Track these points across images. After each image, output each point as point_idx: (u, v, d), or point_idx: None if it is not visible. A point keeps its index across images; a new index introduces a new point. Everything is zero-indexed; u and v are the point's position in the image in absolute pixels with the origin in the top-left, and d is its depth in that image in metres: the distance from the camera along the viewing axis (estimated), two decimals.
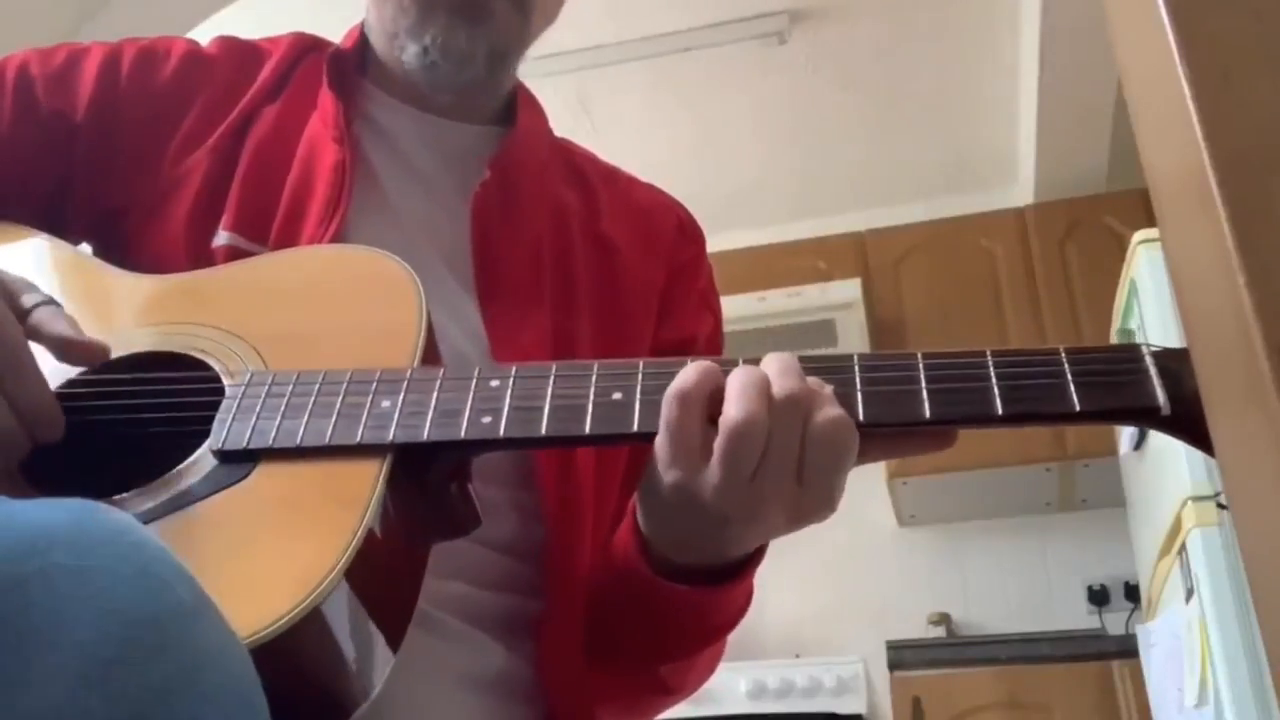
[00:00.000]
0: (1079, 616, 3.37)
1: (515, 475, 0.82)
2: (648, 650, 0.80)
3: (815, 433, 0.62)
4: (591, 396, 0.65)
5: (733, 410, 0.62)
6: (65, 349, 0.68)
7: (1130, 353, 0.63)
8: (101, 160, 0.88)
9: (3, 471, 0.66)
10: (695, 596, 0.73)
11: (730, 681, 3.21)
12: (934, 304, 3.49)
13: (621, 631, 0.80)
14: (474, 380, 0.67)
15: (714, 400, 0.64)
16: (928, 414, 0.63)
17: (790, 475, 0.63)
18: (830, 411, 0.63)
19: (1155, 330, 2.23)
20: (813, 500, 0.65)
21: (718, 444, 0.63)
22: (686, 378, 0.64)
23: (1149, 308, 2.29)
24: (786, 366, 0.64)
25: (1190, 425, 0.58)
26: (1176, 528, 2.19)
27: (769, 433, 0.62)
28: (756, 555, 0.74)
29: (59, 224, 0.87)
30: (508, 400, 0.66)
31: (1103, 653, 2.95)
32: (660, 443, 0.64)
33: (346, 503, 0.61)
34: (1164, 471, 2.29)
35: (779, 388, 0.62)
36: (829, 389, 0.64)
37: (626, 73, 3.27)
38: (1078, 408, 0.62)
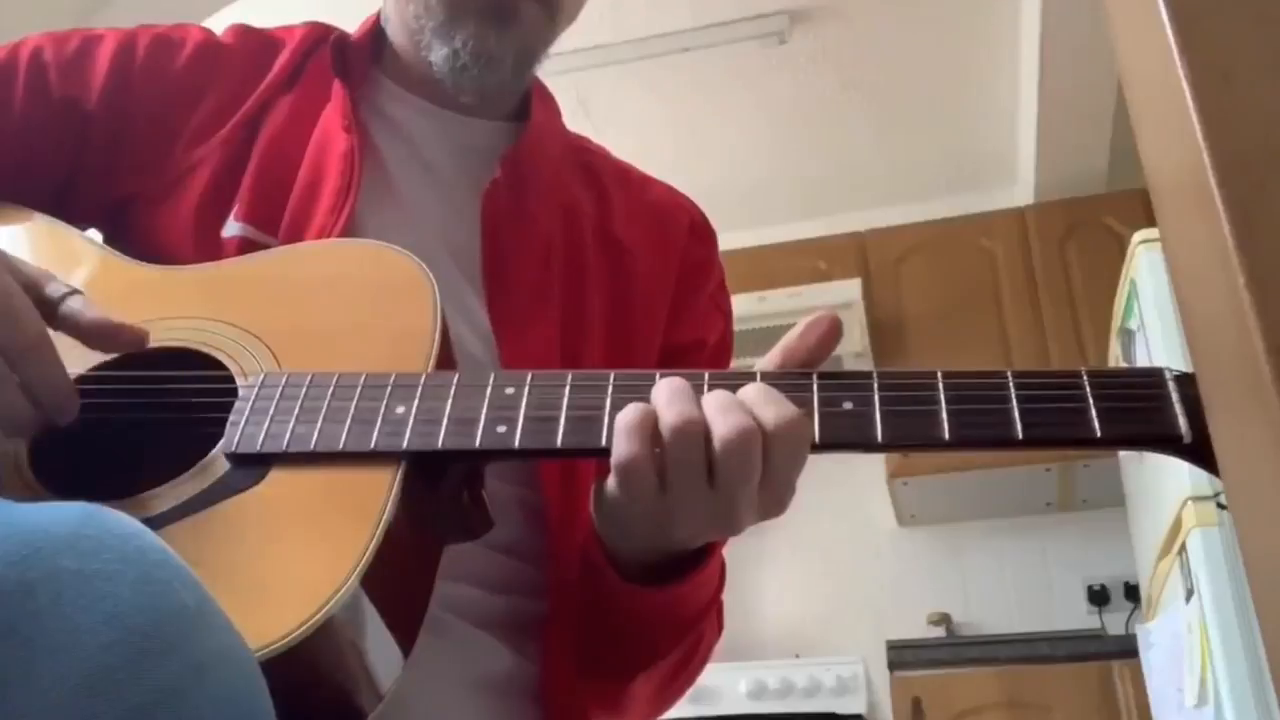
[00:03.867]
0: (1079, 616, 3.37)
1: (519, 474, 0.82)
2: (633, 654, 0.81)
3: (719, 453, 0.62)
4: (608, 408, 0.65)
5: (617, 450, 0.63)
6: (103, 334, 0.68)
7: (1152, 378, 0.62)
8: (113, 147, 0.88)
9: (13, 469, 0.66)
10: (664, 595, 0.73)
11: (730, 681, 3.21)
12: (934, 304, 3.49)
13: (605, 639, 0.80)
14: (489, 387, 0.67)
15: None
16: (947, 436, 0.62)
17: (700, 489, 0.63)
18: (727, 431, 0.62)
19: (1155, 330, 2.23)
20: (749, 507, 0.65)
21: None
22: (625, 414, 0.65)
23: (1149, 308, 2.28)
24: (673, 393, 0.64)
25: (1213, 453, 0.57)
26: (1176, 528, 2.19)
27: (662, 464, 0.63)
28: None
29: (69, 209, 0.86)
30: (523, 409, 0.65)
31: (1103, 653, 2.94)
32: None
33: (360, 511, 0.61)
34: (1164, 471, 2.29)
35: (665, 420, 0.63)
36: (730, 396, 0.64)
37: (626, 73, 3.27)
38: (1099, 434, 0.61)
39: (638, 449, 0.62)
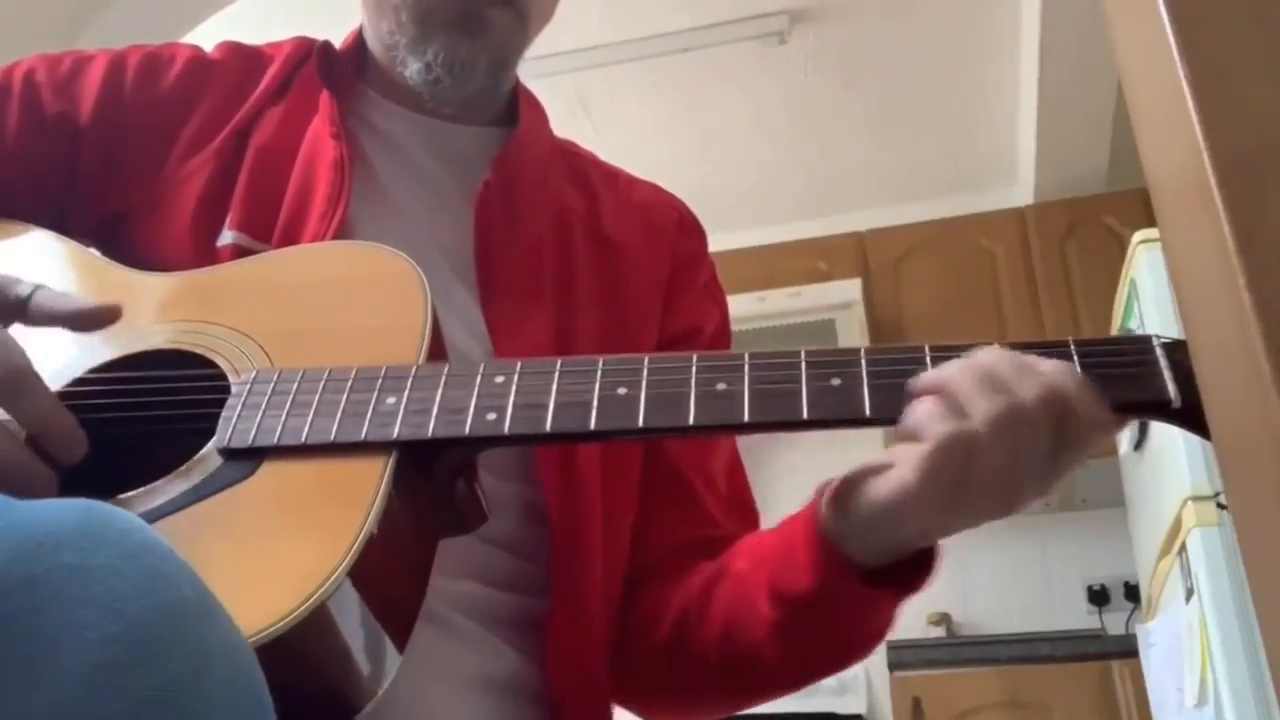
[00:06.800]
0: (1079, 616, 3.37)
1: (517, 470, 0.83)
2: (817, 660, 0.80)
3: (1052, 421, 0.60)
4: (597, 392, 0.65)
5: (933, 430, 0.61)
6: (79, 320, 0.70)
7: (1140, 344, 0.62)
8: (106, 164, 0.89)
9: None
10: (898, 597, 0.72)
11: None
12: (934, 304, 3.49)
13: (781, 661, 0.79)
14: (479, 376, 0.67)
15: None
16: None
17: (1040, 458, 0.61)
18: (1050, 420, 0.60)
19: (1155, 330, 2.22)
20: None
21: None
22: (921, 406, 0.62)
23: (1149, 308, 2.29)
24: (985, 375, 0.61)
25: (1201, 418, 0.57)
26: (1176, 528, 2.20)
27: (985, 449, 0.60)
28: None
29: (66, 225, 0.87)
30: (512, 397, 0.66)
31: (1103, 653, 2.94)
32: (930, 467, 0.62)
33: (351, 501, 0.61)
34: (1164, 471, 2.29)
35: (981, 410, 0.60)
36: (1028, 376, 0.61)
37: (626, 73, 3.27)
38: None
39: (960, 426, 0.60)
